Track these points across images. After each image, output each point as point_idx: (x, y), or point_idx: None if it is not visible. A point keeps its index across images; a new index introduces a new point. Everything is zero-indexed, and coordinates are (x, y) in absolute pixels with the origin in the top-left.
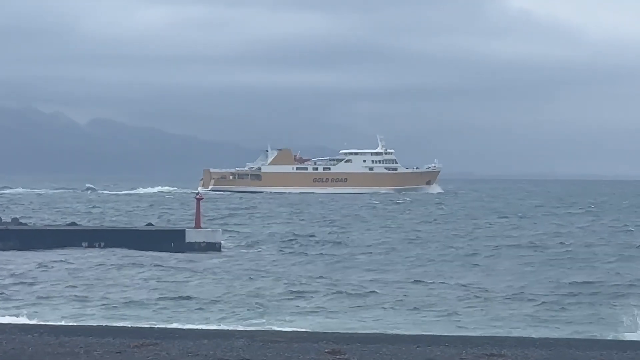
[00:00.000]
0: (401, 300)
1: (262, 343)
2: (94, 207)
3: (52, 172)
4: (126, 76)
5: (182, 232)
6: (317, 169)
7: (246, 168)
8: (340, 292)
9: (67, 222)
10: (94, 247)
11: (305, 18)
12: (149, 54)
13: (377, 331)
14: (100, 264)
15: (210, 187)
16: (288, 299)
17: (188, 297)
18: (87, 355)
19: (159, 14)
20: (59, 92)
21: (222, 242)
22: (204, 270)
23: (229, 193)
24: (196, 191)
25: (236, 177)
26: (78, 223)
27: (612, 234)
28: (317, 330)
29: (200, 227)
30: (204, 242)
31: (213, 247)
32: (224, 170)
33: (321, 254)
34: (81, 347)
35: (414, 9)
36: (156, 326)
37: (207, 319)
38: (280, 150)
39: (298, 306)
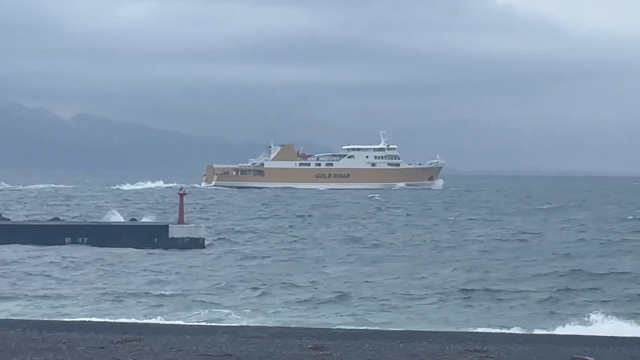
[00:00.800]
0: (375, 297)
1: (244, 339)
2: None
3: (36, 168)
4: (110, 71)
5: (165, 228)
6: (319, 164)
7: (249, 164)
8: (318, 289)
9: (51, 218)
10: (77, 242)
11: (288, 13)
12: (133, 49)
13: (360, 327)
14: (83, 259)
15: (213, 183)
16: (265, 295)
17: (171, 293)
18: (69, 351)
19: (142, 9)
20: (43, 88)
21: (206, 237)
22: (188, 265)
23: (233, 189)
24: (179, 187)
25: (239, 172)
26: (61, 218)
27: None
28: (300, 326)
29: (183, 223)
30: (187, 237)
31: (196, 243)
32: (227, 165)
33: (295, 248)
34: (64, 342)
35: (397, 5)
36: (139, 322)
37: (189, 314)
38: (283, 146)
39: (276, 303)
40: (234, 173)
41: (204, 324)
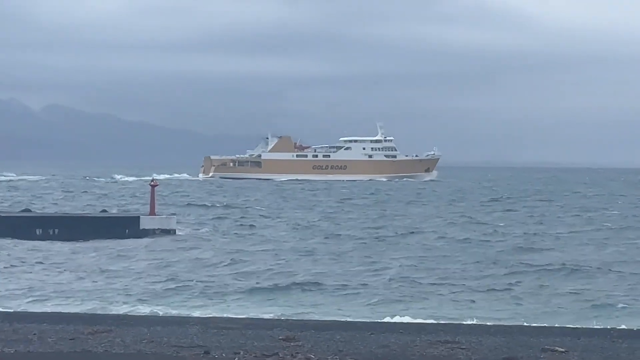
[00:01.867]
0: (345, 285)
1: (216, 330)
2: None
3: (5, 159)
4: (81, 62)
5: (136, 219)
6: (316, 156)
7: (246, 155)
8: (295, 283)
9: (22, 209)
10: (48, 234)
11: (260, 5)
12: (104, 41)
13: (331, 318)
14: (54, 250)
15: (210, 174)
16: (240, 287)
17: (142, 283)
18: (40, 342)
19: (114, 0)
20: (13, 78)
21: (177, 228)
22: (156, 256)
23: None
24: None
25: (236, 164)
26: (32, 210)
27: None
28: (271, 317)
29: (154, 214)
30: (158, 228)
31: (167, 234)
32: (224, 157)
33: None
34: (35, 333)
35: None
36: (110, 313)
37: (160, 305)
38: (280, 137)
39: (247, 293)
40: (231, 164)
41: (175, 314)
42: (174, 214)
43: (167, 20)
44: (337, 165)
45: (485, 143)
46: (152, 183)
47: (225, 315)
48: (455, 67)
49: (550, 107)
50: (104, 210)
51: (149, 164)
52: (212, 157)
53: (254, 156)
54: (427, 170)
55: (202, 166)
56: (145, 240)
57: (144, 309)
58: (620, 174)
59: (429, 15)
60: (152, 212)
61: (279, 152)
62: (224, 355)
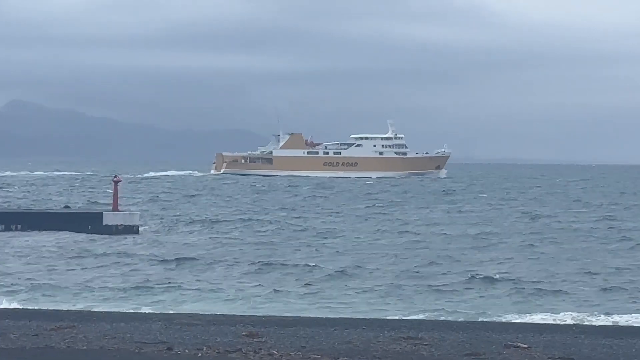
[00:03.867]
0: (310, 284)
1: (179, 326)
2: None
3: None
4: (45, 58)
5: (99, 215)
6: (327, 153)
7: (258, 152)
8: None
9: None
10: (11, 229)
11: (225, 0)
12: (68, 36)
13: (295, 314)
14: (16, 247)
15: (222, 170)
16: (201, 282)
17: (105, 279)
18: (2, 338)
19: None
20: None
21: (140, 225)
22: (119, 253)
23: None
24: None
25: (248, 160)
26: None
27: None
28: (234, 314)
29: (117, 210)
30: (121, 224)
31: (130, 230)
32: (236, 153)
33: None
34: None
35: None
36: (73, 309)
37: (123, 301)
38: (291, 134)
39: (211, 290)
40: (242, 161)
41: (139, 311)
42: (137, 211)
43: (131, 15)
44: (348, 162)
45: (447, 139)
46: (115, 179)
47: (188, 311)
48: (421, 64)
49: (514, 103)
50: (67, 207)
51: (115, 159)
52: (224, 153)
53: (265, 153)
54: (437, 168)
55: (214, 162)
56: (107, 236)
57: (106, 305)
58: (579, 171)
59: (396, 12)
60: (114, 208)
61: (290, 149)
62: (186, 351)
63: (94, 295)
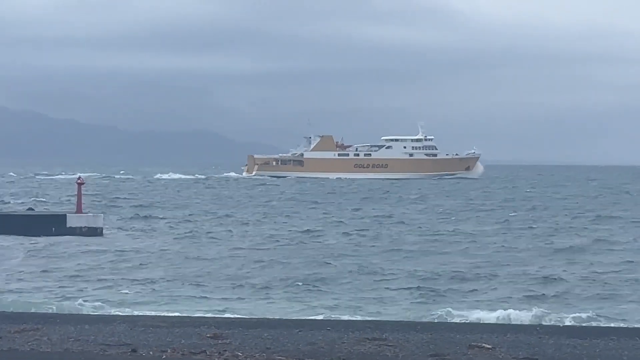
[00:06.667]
0: (275, 285)
1: (143, 328)
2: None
3: None
4: (5, 59)
5: (63, 217)
6: (358, 155)
7: (289, 154)
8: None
9: None
10: None
11: (190, 0)
12: (31, 36)
13: (259, 316)
14: None
15: (254, 173)
16: (168, 284)
17: (68, 281)
18: None
19: None
20: None
21: (104, 227)
22: (84, 252)
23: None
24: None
25: (279, 162)
26: None
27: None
28: (199, 315)
29: (81, 212)
30: (85, 227)
31: (94, 232)
32: (267, 156)
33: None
34: None
35: None
36: (37, 312)
37: (86, 303)
38: (322, 136)
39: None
40: (274, 163)
41: (103, 313)
42: (101, 213)
43: (94, 16)
44: (379, 164)
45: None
46: (79, 181)
47: (152, 313)
48: (385, 64)
49: (476, 103)
50: (31, 209)
51: (79, 161)
52: (256, 156)
53: (296, 155)
54: (467, 169)
55: (246, 165)
56: (70, 238)
57: (69, 307)
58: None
59: (357, 13)
60: (79, 210)
61: (321, 151)
62: (151, 353)
63: (56, 296)
